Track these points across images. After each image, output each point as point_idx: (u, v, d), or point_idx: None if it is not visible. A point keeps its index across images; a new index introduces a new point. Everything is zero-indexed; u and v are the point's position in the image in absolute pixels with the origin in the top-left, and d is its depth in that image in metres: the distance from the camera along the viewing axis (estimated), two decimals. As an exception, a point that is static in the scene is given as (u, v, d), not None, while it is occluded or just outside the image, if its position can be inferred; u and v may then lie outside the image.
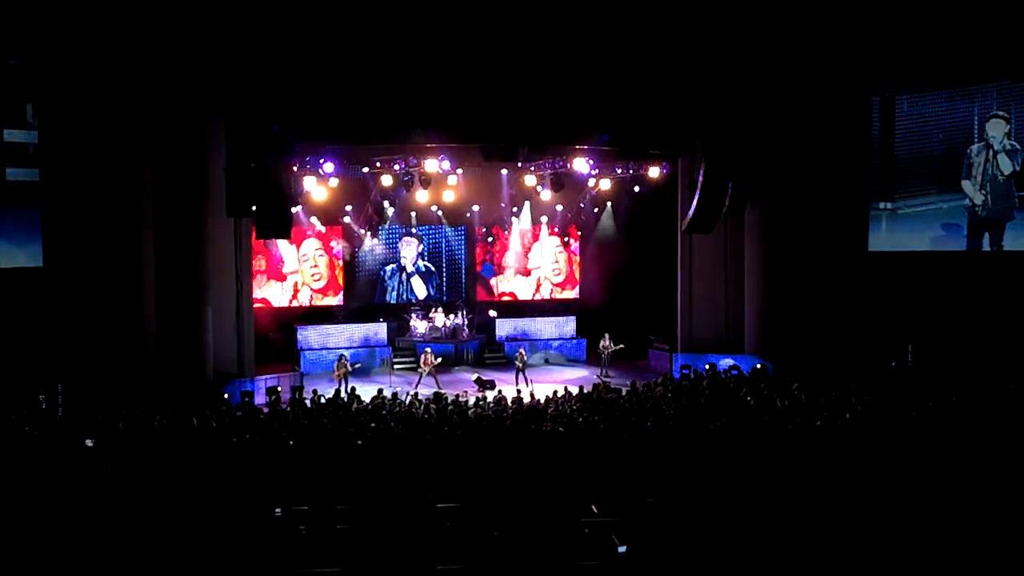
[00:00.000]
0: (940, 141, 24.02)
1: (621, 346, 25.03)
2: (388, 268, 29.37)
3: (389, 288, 29.26)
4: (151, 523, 6.78)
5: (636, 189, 27.32)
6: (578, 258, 30.92)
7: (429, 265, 29.86)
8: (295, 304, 27.71)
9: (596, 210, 29.61)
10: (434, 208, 28.20)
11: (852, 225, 23.13)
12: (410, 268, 29.49)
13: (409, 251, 29.58)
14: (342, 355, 23.02)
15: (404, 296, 29.30)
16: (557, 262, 30.81)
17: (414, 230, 29.39)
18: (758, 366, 20.71)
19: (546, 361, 27.61)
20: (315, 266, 28.03)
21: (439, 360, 23.68)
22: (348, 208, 27.40)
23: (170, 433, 12.33)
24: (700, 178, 21.07)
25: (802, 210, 22.01)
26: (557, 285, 30.88)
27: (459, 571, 5.99)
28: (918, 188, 24.21)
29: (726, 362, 21.93)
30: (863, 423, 11.35)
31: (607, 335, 25.13)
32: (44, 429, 12.97)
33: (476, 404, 17.48)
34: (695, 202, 21.41)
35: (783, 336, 21.97)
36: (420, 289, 29.39)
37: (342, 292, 28.38)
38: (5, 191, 19.22)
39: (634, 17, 20.05)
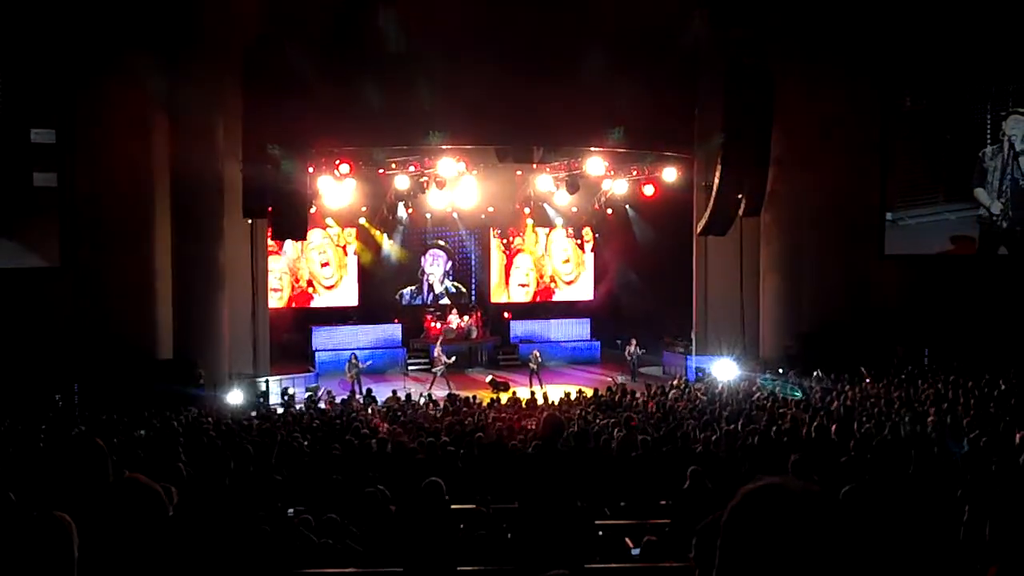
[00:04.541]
0: (948, 143, 22.38)
1: (643, 350, 24.99)
2: (407, 291, 29.12)
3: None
4: (163, 522, 6.80)
5: (651, 191, 27.05)
6: (592, 260, 30.90)
7: (459, 286, 29.70)
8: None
9: (611, 211, 29.45)
10: (449, 209, 28.14)
11: (868, 227, 22.78)
12: (438, 288, 29.30)
13: (436, 268, 29.39)
14: (353, 355, 23.02)
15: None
16: (568, 262, 30.77)
17: (441, 242, 29.27)
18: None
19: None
20: (326, 264, 28.08)
21: (452, 359, 23.66)
22: (364, 209, 27.38)
23: (183, 433, 12.38)
24: (716, 180, 21.00)
25: (818, 212, 21.82)
26: (567, 283, 30.83)
27: (475, 573, 5.99)
28: (921, 196, 22.57)
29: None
30: (879, 427, 11.29)
31: (634, 340, 24.98)
32: (60, 427, 13.03)
33: (490, 405, 17.50)
34: (710, 205, 21.35)
35: (799, 337, 21.80)
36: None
37: (358, 295, 28.40)
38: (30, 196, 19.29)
39: (648, 18, 20.01)
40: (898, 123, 22.89)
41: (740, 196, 20.85)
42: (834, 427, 11.00)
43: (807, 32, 20.84)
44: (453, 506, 7.13)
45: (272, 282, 25.09)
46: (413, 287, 29.28)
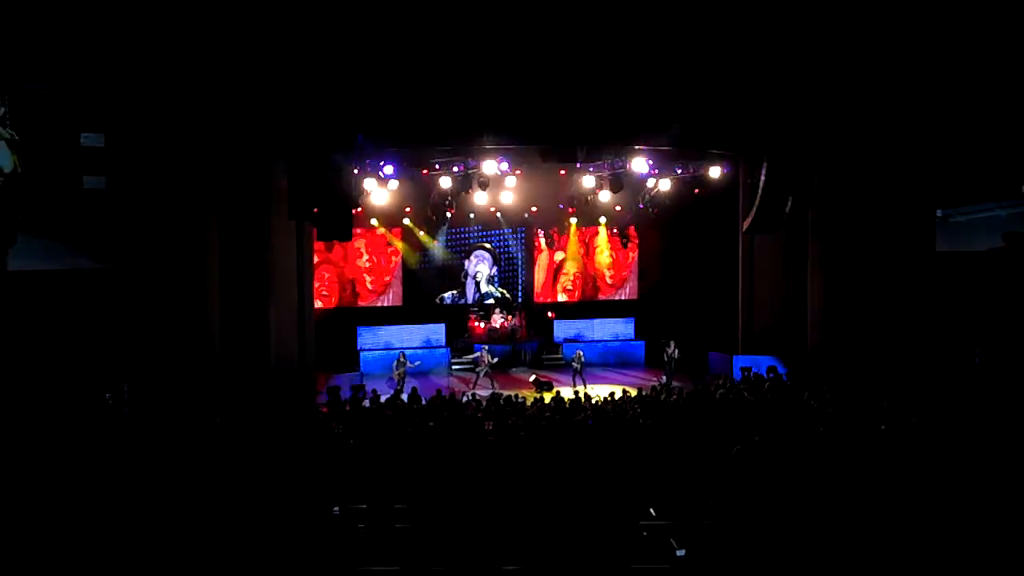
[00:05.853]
0: (998, 138, 21.53)
1: (679, 352, 24.59)
2: (448, 295, 29.20)
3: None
4: (211, 520, 6.87)
5: (696, 191, 26.73)
6: (637, 258, 30.72)
7: (504, 292, 29.72)
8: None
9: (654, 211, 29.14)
10: (492, 209, 28.20)
11: (918, 224, 22.37)
12: (484, 288, 29.31)
13: (482, 268, 29.43)
14: (402, 353, 23.15)
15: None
16: (612, 261, 30.62)
17: (487, 244, 29.33)
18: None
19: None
20: (368, 268, 28.28)
21: (495, 359, 23.70)
22: (407, 209, 27.55)
23: (232, 432, 12.50)
24: (762, 178, 20.79)
25: (867, 209, 21.48)
26: (611, 287, 30.71)
27: (518, 572, 5.97)
28: (971, 193, 21.87)
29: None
30: (928, 428, 11.10)
31: (672, 343, 24.60)
32: (110, 427, 13.24)
33: (533, 404, 17.45)
34: (757, 203, 21.14)
35: (846, 338, 21.50)
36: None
37: (402, 295, 28.58)
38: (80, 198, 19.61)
39: (698, 18, 19.85)
40: (947, 118, 22.50)
41: (787, 194, 20.61)
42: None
43: (855, 28, 20.53)
44: (495, 506, 7.13)
45: (318, 283, 25.27)
46: (455, 291, 29.32)
